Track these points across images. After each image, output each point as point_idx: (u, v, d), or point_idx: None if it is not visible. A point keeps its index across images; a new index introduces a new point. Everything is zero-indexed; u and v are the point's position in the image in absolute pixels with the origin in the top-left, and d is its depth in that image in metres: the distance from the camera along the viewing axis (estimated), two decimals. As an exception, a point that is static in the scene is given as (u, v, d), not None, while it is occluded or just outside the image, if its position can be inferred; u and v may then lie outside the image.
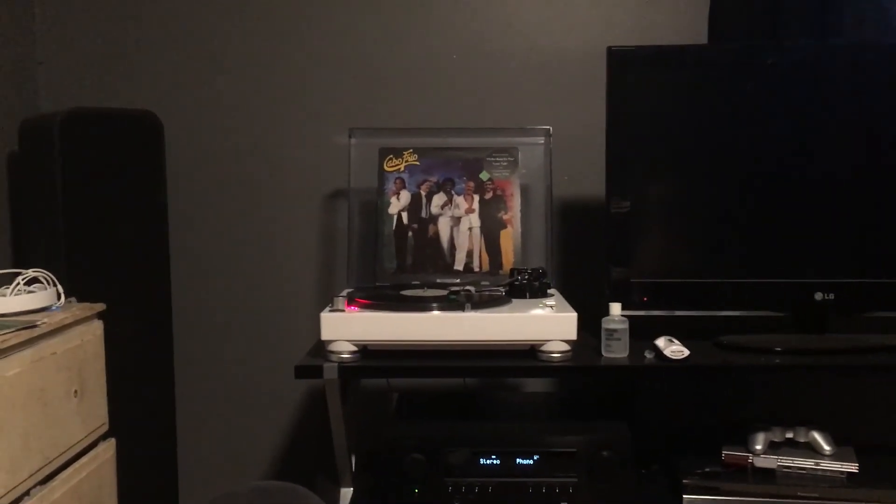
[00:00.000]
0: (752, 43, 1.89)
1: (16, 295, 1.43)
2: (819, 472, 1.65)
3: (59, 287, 1.51)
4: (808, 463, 1.66)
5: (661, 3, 2.03)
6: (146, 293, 1.99)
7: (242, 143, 2.11)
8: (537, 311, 1.57)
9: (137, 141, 1.97)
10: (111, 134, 1.88)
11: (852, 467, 1.64)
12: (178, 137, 2.08)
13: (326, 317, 1.55)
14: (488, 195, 1.88)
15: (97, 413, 1.54)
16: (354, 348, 1.56)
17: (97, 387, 1.54)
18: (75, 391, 1.45)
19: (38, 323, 1.35)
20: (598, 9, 2.04)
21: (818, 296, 1.67)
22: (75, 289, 1.57)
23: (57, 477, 1.39)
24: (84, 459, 1.49)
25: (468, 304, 1.57)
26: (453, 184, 1.89)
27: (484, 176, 1.89)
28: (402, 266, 1.86)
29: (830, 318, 1.71)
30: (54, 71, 2.10)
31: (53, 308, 1.47)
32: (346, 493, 1.75)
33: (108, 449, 1.58)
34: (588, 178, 1.92)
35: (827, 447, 1.67)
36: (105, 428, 1.57)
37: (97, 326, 1.55)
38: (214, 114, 2.10)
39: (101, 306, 1.56)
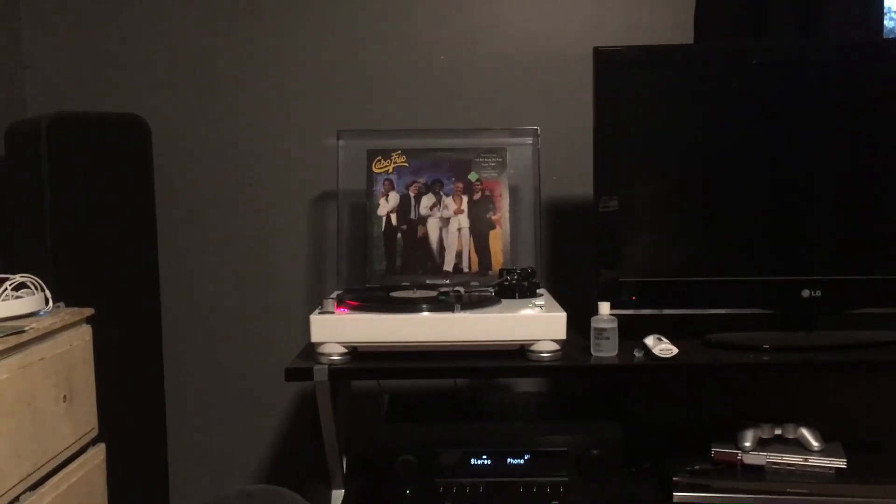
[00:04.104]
0: (738, 42, 1.90)
1: (3, 300, 1.42)
2: (808, 468, 1.66)
3: (47, 292, 1.50)
4: (797, 459, 1.67)
5: (646, 3, 2.04)
6: (135, 297, 1.98)
7: (230, 145, 2.10)
8: (527, 311, 1.58)
9: (124, 145, 1.96)
10: (98, 138, 1.87)
11: (840, 463, 1.65)
12: (166, 141, 2.07)
13: (316, 319, 1.55)
14: (477, 196, 1.89)
15: (86, 418, 1.53)
16: (344, 350, 1.56)
17: (86, 392, 1.54)
18: (64, 396, 1.45)
19: (26, 328, 1.35)
20: (585, 9, 2.05)
21: (805, 293, 1.68)
22: (63, 294, 1.56)
23: (46, 483, 1.38)
24: (73, 465, 1.48)
25: (458, 305, 1.58)
26: (442, 185, 1.89)
27: (472, 177, 1.89)
28: (392, 267, 1.86)
29: (817, 315, 1.72)
30: (41, 75, 2.09)
31: (41, 313, 1.47)
32: (338, 494, 1.74)
33: (97, 454, 1.57)
34: (576, 178, 1.92)
35: (815, 443, 1.68)
36: (94, 433, 1.57)
37: (85, 331, 1.55)
38: (201, 117, 2.10)
39: (89, 311, 1.55)
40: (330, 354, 1.56)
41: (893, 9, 2.09)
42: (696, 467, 1.68)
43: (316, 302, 1.68)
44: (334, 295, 1.69)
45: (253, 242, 2.12)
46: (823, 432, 1.70)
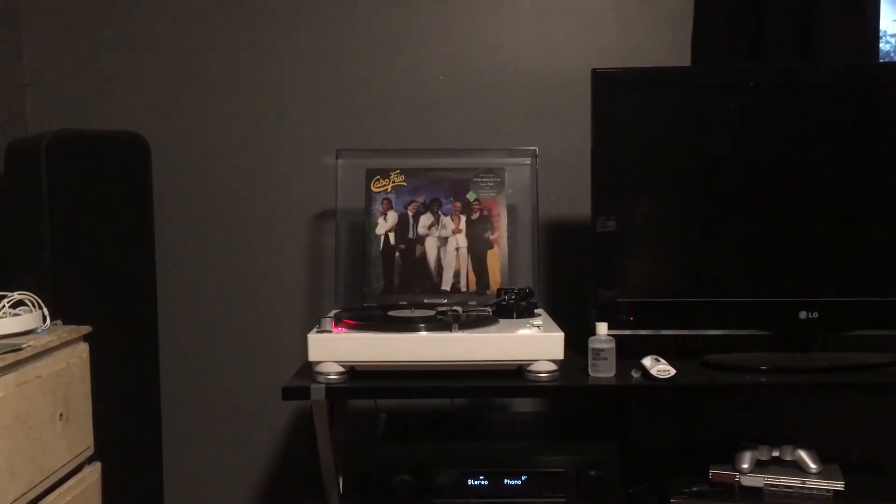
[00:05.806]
0: (735, 65, 1.92)
1: (0, 318, 1.42)
2: (805, 491, 1.66)
3: (45, 310, 1.50)
4: (795, 481, 1.66)
5: (644, 25, 2.05)
6: (132, 315, 1.98)
7: (229, 164, 2.11)
8: (524, 331, 1.58)
9: (124, 163, 1.97)
10: (98, 156, 1.88)
11: (838, 485, 1.65)
12: (165, 159, 2.08)
13: (314, 338, 1.55)
14: (475, 215, 1.89)
15: (82, 436, 1.53)
16: (342, 369, 1.56)
17: (83, 410, 1.53)
18: (60, 414, 1.44)
19: (24, 346, 1.34)
20: (583, 31, 2.06)
21: (802, 314, 1.69)
22: (61, 311, 1.56)
23: (42, 501, 1.37)
24: (69, 483, 1.47)
25: (455, 325, 1.58)
26: (440, 204, 1.90)
27: (471, 196, 1.90)
28: (390, 286, 1.86)
29: (815, 336, 1.73)
30: (41, 93, 2.10)
31: (39, 331, 1.46)
32: (334, 515, 1.74)
33: (93, 473, 1.57)
34: (574, 199, 1.93)
35: (813, 465, 1.68)
36: (90, 451, 1.56)
37: (83, 349, 1.54)
38: (201, 136, 2.11)
39: (86, 329, 1.55)
40: (327, 373, 1.55)
41: (889, 32, 2.11)
42: (694, 489, 1.67)
43: (313, 320, 1.68)
44: (332, 314, 1.69)
45: (251, 260, 2.12)
46: (821, 454, 1.70)
